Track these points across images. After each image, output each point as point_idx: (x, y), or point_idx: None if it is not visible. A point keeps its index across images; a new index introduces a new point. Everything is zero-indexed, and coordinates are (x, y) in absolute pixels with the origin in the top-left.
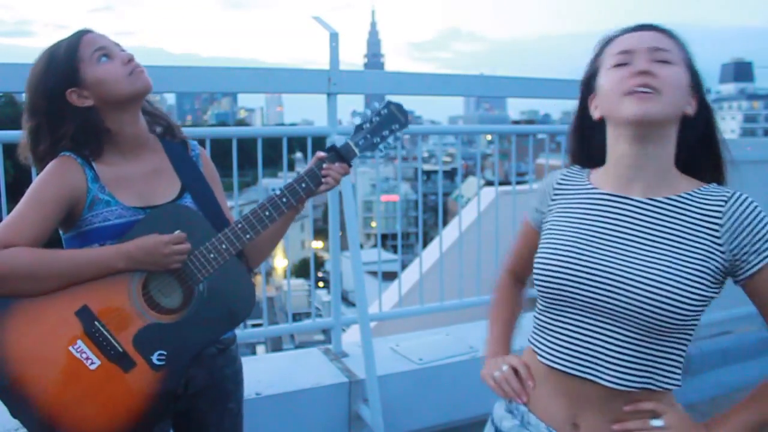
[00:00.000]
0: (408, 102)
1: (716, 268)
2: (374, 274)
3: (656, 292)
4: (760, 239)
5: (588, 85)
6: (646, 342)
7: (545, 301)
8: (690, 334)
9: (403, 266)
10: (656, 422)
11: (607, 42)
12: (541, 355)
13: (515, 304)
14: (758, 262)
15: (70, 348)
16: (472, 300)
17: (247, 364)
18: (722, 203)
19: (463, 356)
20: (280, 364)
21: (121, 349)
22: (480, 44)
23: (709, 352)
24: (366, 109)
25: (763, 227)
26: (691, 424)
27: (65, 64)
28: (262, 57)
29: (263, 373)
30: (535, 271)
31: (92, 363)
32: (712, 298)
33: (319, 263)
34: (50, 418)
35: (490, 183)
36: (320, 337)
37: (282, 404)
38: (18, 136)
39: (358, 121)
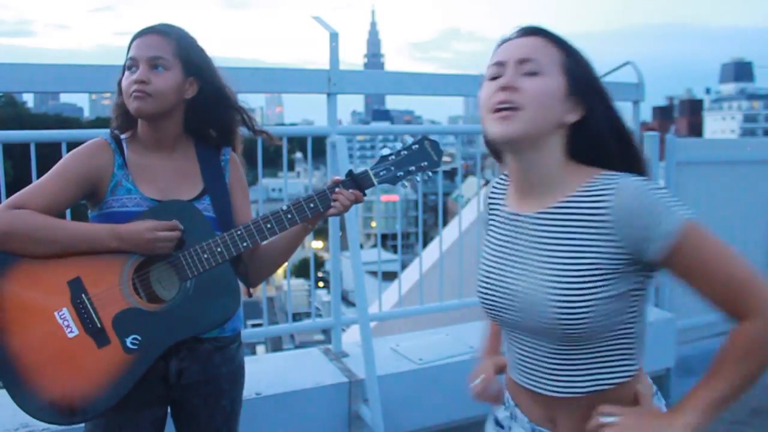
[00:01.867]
0: (408, 102)
1: (614, 262)
2: (374, 274)
3: (553, 306)
4: (650, 227)
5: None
6: (572, 350)
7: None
8: (626, 326)
9: (403, 266)
10: (608, 418)
11: (496, 48)
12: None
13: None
14: (655, 251)
15: (56, 313)
16: (472, 300)
17: (247, 364)
18: (610, 196)
19: (463, 356)
20: (280, 364)
21: (99, 325)
22: (480, 44)
23: (709, 352)
24: (397, 142)
25: (652, 213)
26: (651, 416)
27: (127, 50)
28: (262, 57)
29: (263, 373)
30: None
31: (71, 331)
32: (628, 291)
33: (319, 263)
34: (21, 371)
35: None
36: (320, 337)
37: (282, 404)
38: (18, 136)
39: (386, 151)
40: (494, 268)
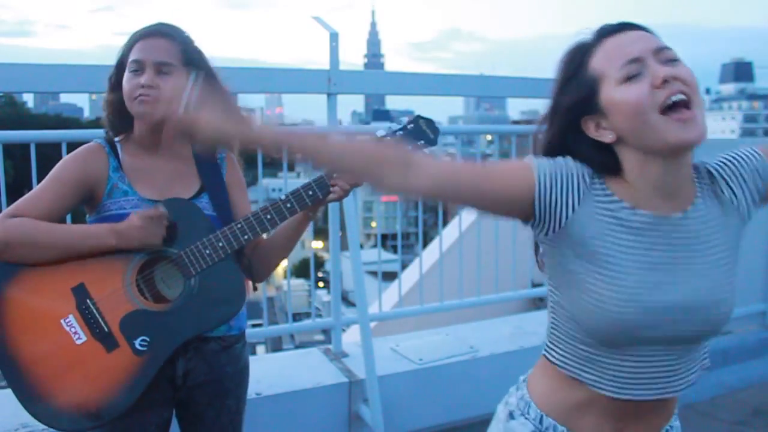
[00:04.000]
0: (408, 102)
1: (744, 222)
2: (374, 274)
3: (727, 304)
4: (740, 164)
5: (580, 107)
6: (701, 345)
7: (609, 341)
8: None
9: (403, 266)
10: None
11: (587, 52)
12: (600, 388)
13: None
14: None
15: (62, 321)
16: (472, 300)
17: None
18: (711, 175)
19: (463, 356)
20: (280, 364)
21: (107, 329)
22: (480, 44)
23: (709, 352)
24: (394, 123)
25: (733, 158)
26: None
27: (122, 54)
28: (262, 57)
29: (263, 373)
30: (601, 314)
31: (79, 338)
32: None
33: (319, 263)
34: (32, 382)
35: None
36: (320, 337)
37: (282, 404)
38: (18, 136)
39: (381, 132)
40: (654, 276)
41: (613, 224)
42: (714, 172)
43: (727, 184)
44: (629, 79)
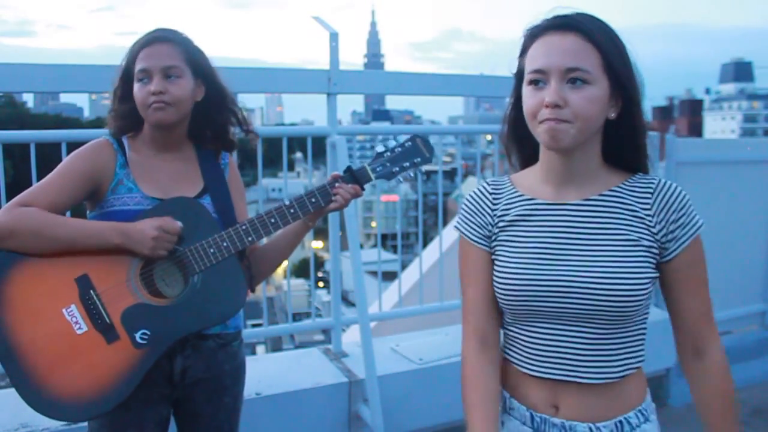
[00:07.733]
0: (408, 102)
1: (653, 250)
2: (374, 274)
3: (612, 289)
4: (680, 225)
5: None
6: (614, 334)
7: (512, 316)
8: (647, 313)
9: (403, 266)
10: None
11: (532, 38)
12: (517, 365)
13: (490, 381)
14: (675, 249)
15: (63, 310)
16: None
17: (247, 364)
18: (650, 192)
19: None
20: (280, 364)
21: (108, 321)
22: (480, 44)
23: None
24: (392, 139)
25: (684, 213)
26: None
27: (127, 65)
28: (263, 57)
29: (263, 373)
30: (499, 288)
31: (80, 328)
32: (655, 278)
33: (319, 263)
34: (29, 369)
35: None
36: (320, 337)
37: (282, 404)
38: (18, 136)
39: (380, 148)
40: (536, 255)
41: (515, 213)
42: (660, 194)
43: (655, 213)
44: (532, 83)
